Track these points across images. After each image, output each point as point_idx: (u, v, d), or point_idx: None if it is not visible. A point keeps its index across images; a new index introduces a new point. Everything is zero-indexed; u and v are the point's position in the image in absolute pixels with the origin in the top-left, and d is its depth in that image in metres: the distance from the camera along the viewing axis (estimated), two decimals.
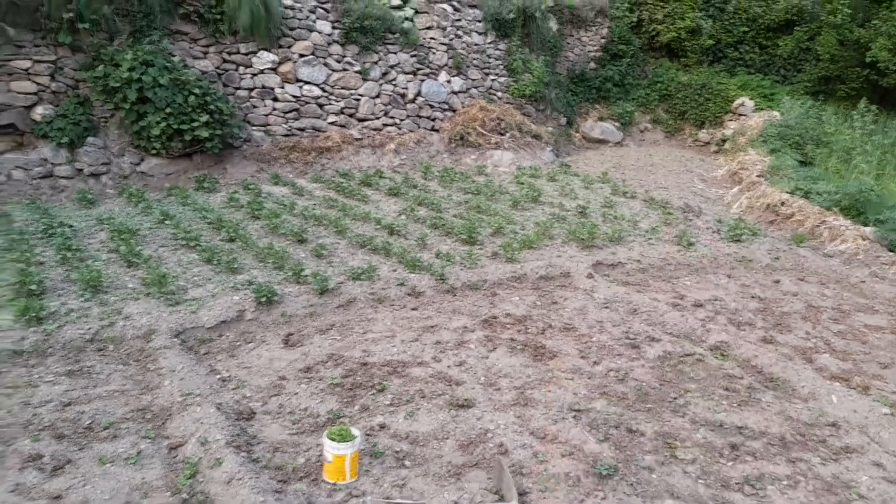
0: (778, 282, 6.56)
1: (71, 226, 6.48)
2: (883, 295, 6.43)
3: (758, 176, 9.90)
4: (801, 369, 4.58)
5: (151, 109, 7.92)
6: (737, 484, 3.31)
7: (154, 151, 8.22)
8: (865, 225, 7.93)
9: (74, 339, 4.39)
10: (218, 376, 4.14)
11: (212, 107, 8.27)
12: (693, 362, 4.68)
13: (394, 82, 10.36)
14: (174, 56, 8.41)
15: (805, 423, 3.94)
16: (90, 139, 8.01)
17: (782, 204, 8.73)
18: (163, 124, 7.94)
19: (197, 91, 8.16)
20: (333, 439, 3.15)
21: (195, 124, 8.11)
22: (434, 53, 10.71)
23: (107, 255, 5.84)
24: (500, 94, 11.54)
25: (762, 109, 12.62)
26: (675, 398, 4.13)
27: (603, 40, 13.51)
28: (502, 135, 10.83)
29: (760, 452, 3.59)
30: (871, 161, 10.32)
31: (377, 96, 10.21)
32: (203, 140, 8.30)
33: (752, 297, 6.11)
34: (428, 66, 10.66)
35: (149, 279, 5.17)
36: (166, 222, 6.71)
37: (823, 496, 3.27)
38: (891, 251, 7.43)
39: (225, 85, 9.05)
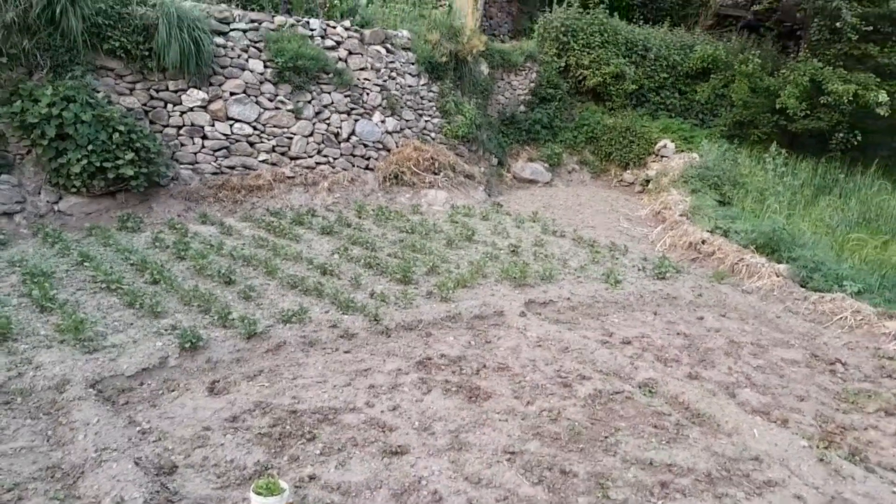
0: (702, 318, 6.81)
1: None
2: (797, 329, 6.77)
3: (680, 215, 10.33)
4: (725, 404, 4.74)
5: (72, 146, 7.62)
6: None
7: (74, 190, 7.87)
8: (779, 262, 8.37)
9: None
10: (137, 428, 3.93)
11: (138, 144, 8.03)
12: (623, 400, 4.77)
13: (327, 121, 10.35)
14: (98, 92, 8.15)
15: (730, 458, 4.06)
16: (4, 177, 7.60)
17: (703, 242, 9.13)
18: (84, 161, 7.64)
19: (122, 128, 7.91)
20: (260, 493, 3.02)
21: (120, 162, 7.84)
22: (368, 94, 10.78)
23: (18, 300, 5.50)
24: (433, 134, 11.70)
25: (683, 151, 13.24)
26: (606, 437, 4.18)
27: (532, 84, 13.96)
28: (436, 174, 10.95)
29: (689, 489, 3.67)
30: (782, 201, 10.96)
31: (310, 135, 10.16)
32: (128, 178, 8.02)
33: (678, 333, 6.32)
34: (362, 106, 10.72)
35: (64, 325, 4.89)
36: (85, 264, 6.40)
37: None
38: (802, 287, 7.85)
39: (152, 122, 8.81)
